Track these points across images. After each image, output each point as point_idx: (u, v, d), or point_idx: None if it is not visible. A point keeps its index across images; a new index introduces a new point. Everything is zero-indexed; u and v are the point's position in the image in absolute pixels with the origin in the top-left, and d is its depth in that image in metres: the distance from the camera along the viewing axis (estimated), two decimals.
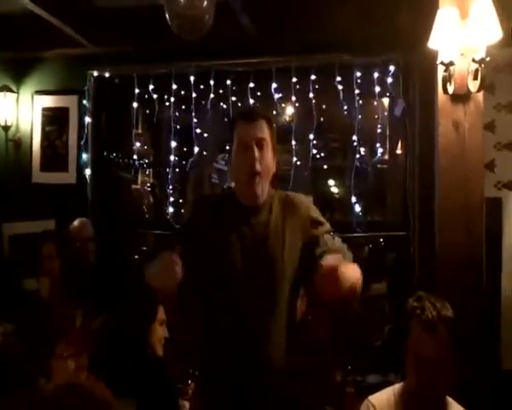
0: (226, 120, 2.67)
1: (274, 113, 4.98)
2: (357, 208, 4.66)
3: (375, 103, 4.81)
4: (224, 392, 2.49)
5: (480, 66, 3.36)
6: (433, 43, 3.50)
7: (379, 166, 4.88)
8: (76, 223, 4.59)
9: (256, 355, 2.44)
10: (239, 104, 4.95)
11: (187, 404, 3.53)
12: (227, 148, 4.90)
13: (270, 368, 2.45)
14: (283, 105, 5.07)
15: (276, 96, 4.78)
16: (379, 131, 4.69)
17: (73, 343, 2.26)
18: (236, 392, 2.46)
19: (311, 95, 4.69)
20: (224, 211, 2.59)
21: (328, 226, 2.59)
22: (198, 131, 5.05)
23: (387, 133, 4.78)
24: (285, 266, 2.49)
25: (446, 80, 3.47)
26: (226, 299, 2.49)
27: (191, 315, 2.72)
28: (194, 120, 4.98)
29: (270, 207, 2.56)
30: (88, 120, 5.14)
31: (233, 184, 2.74)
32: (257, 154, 2.46)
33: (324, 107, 4.90)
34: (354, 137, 4.66)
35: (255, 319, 2.44)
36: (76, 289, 3.68)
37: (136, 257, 5.46)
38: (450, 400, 2.49)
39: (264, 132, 2.51)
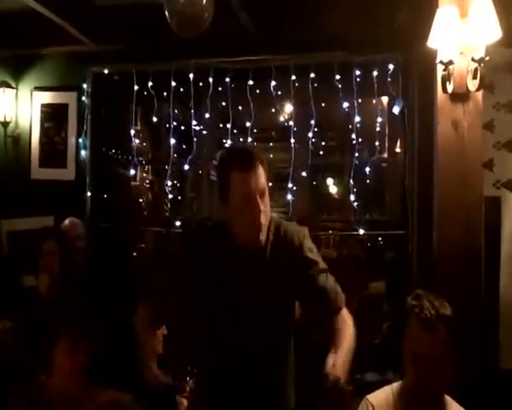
0: (219, 167, 2.48)
1: (273, 110, 4.99)
2: (356, 207, 4.66)
3: (375, 102, 4.80)
4: (222, 391, 2.49)
5: (480, 65, 3.36)
6: (432, 41, 3.50)
7: (378, 164, 4.88)
8: (66, 222, 4.63)
9: (252, 357, 2.45)
10: (238, 102, 4.94)
11: (185, 401, 3.53)
12: (227, 145, 4.95)
13: (267, 371, 2.46)
14: (282, 103, 5.07)
15: (275, 94, 4.78)
16: (378, 129, 4.69)
17: (72, 340, 2.26)
18: (235, 391, 2.47)
19: (310, 93, 4.69)
20: (218, 250, 2.52)
21: (322, 265, 2.55)
22: (197, 128, 5.05)
23: (386, 132, 4.78)
24: (280, 297, 2.48)
25: (445, 79, 3.47)
26: (224, 335, 2.48)
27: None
28: (193, 117, 4.97)
29: (266, 247, 2.49)
30: (87, 116, 5.14)
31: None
32: (261, 207, 2.39)
33: (323, 105, 4.90)
34: (353, 136, 4.66)
35: (251, 345, 2.45)
36: (73, 287, 3.67)
37: (135, 254, 5.46)
38: (448, 399, 2.50)
39: (263, 179, 2.42)
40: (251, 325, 2.44)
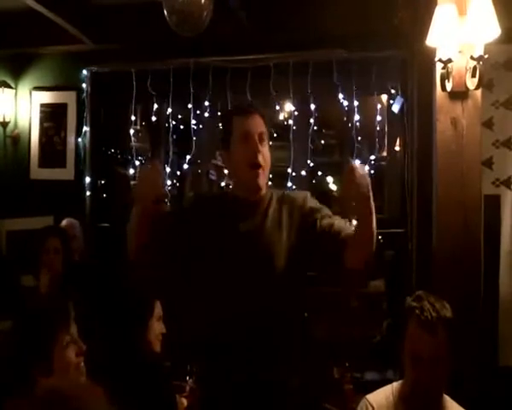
0: (220, 115, 2.72)
1: (272, 109, 4.98)
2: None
3: (374, 100, 4.79)
4: (222, 389, 2.50)
5: (479, 63, 3.36)
6: (431, 40, 3.50)
7: (377, 162, 4.87)
8: (64, 222, 4.64)
9: (255, 352, 2.44)
10: (237, 101, 4.94)
11: (185, 401, 3.54)
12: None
13: (270, 365, 2.45)
14: (281, 101, 5.06)
15: (274, 92, 4.77)
16: (377, 127, 4.69)
17: (72, 339, 2.26)
18: (235, 390, 2.47)
19: (309, 91, 4.69)
20: (222, 207, 2.60)
21: (325, 210, 2.58)
22: (196, 127, 5.04)
23: (386, 130, 4.78)
24: (284, 260, 2.49)
25: (444, 77, 3.47)
26: (226, 294, 2.48)
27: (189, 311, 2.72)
28: (193, 117, 4.97)
29: (268, 203, 2.58)
30: (86, 116, 5.13)
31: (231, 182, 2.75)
32: (259, 146, 2.50)
33: (322, 103, 4.89)
34: (352, 134, 4.66)
35: (255, 314, 2.43)
36: (73, 286, 3.67)
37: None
38: (447, 398, 2.50)
39: (263, 127, 2.56)
40: (253, 287, 2.44)
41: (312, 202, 2.61)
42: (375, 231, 2.37)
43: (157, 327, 3.08)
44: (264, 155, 2.52)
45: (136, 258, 2.67)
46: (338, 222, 2.52)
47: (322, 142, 5.49)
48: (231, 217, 2.55)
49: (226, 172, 4.92)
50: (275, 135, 5.03)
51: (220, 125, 2.82)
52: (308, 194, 2.67)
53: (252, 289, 2.44)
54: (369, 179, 2.25)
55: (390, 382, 2.63)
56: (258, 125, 2.54)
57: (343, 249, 2.42)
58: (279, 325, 2.49)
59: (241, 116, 2.56)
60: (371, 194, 2.28)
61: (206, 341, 2.61)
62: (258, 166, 2.49)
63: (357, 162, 2.27)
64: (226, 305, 2.48)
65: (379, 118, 4.71)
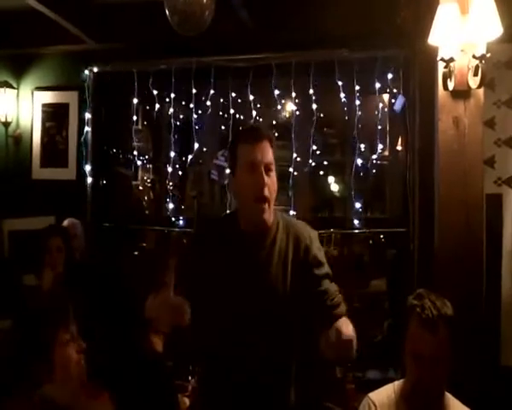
0: (230, 143, 2.62)
1: (274, 109, 4.98)
2: (357, 205, 4.66)
3: (375, 99, 4.79)
4: (223, 391, 2.50)
5: (481, 62, 3.36)
6: (433, 39, 3.49)
7: (379, 162, 4.87)
8: (65, 222, 4.65)
9: (257, 353, 2.45)
10: (239, 100, 4.94)
11: (187, 400, 3.54)
12: (225, 154, 4.94)
13: (271, 367, 2.46)
14: (283, 101, 5.06)
15: (276, 92, 4.77)
16: (379, 127, 4.69)
17: (69, 328, 2.27)
18: (238, 390, 2.47)
19: (310, 91, 4.69)
20: (227, 240, 2.55)
21: (327, 268, 2.57)
22: (198, 127, 5.04)
23: (387, 129, 4.77)
24: (288, 295, 2.48)
25: (446, 76, 3.47)
26: (229, 327, 2.48)
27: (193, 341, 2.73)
28: (194, 116, 4.97)
29: (275, 235, 2.53)
30: (88, 115, 5.13)
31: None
32: (266, 179, 2.42)
33: (324, 103, 4.89)
34: (354, 134, 4.66)
35: (258, 345, 2.44)
36: (75, 285, 3.67)
37: (136, 253, 5.47)
38: (449, 396, 2.50)
39: (271, 155, 2.47)
40: (257, 311, 2.44)
41: (318, 250, 2.58)
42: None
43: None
44: (270, 186, 2.45)
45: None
46: (333, 295, 2.51)
47: (324, 141, 5.47)
48: (238, 251, 2.52)
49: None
50: (276, 134, 5.03)
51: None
52: (316, 234, 2.62)
53: (256, 318, 2.44)
54: (354, 340, 2.25)
55: (391, 381, 2.63)
56: (265, 153, 2.45)
57: (329, 322, 2.39)
58: (280, 332, 2.50)
59: (247, 144, 2.47)
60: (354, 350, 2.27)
61: (209, 353, 2.61)
62: (264, 200, 2.43)
63: (344, 328, 2.27)
64: (229, 336, 2.48)
65: (380, 117, 4.70)
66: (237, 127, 4.88)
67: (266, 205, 2.44)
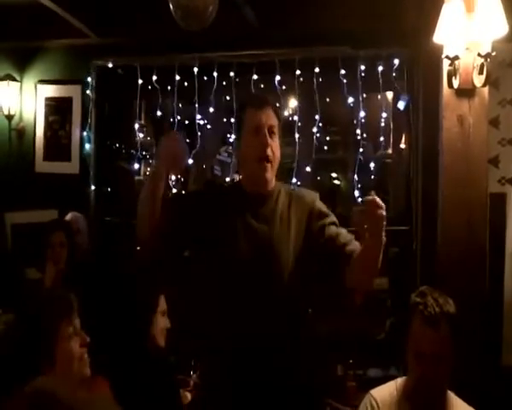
0: (235, 106, 2.80)
1: (277, 105, 4.97)
2: (360, 202, 4.64)
3: (379, 97, 4.77)
4: (225, 386, 2.49)
5: (486, 60, 3.35)
6: (438, 37, 3.49)
7: (382, 160, 4.86)
8: (68, 216, 4.65)
9: (258, 346, 2.44)
10: (242, 96, 4.93)
11: (189, 395, 3.54)
12: (231, 139, 4.96)
13: (273, 361, 2.45)
14: (287, 98, 5.05)
15: (280, 88, 4.76)
16: (382, 124, 4.68)
17: (73, 322, 2.26)
18: (238, 386, 2.46)
19: (314, 88, 4.68)
20: (231, 199, 2.62)
21: (333, 217, 2.63)
22: (201, 122, 5.04)
23: (391, 127, 4.76)
24: (290, 255, 2.51)
25: (451, 75, 3.47)
26: (230, 287, 2.50)
27: (193, 301, 2.73)
28: (197, 112, 4.96)
29: (277, 197, 2.60)
30: (91, 110, 5.13)
31: (237, 177, 2.77)
32: (269, 140, 2.51)
33: (328, 100, 4.89)
34: (358, 131, 4.65)
35: (259, 309, 2.45)
36: (77, 280, 3.67)
37: (138, 248, 5.46)
38: (451, 394, 2.50)
39: (275, 120, 2.57)
40: (259, 281, 2.46)
41: (322, 206, 2.65)
42: (380, 259, 2.38)
43: (161, 322, 3.08)
44: (274, 148, 2.53)
45: (148, 242, 2.64)
46: (344, 234, 2.55)
47: (328, 138, 5.47)
48: (240, 209, 2.57)
49: (232, 164, 4.94)
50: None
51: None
52: (317, 195, 2.69)
53: (257, 284, 2.46)
54: (384, 213, 2.25)
55: (393, 379, 2.63)
56: (269, 117, 2.55)
57: (345, 264, 2.45)
58: (283, 320, 2.50)
59: (253, 108, 2.57)
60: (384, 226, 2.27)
61: (209, 334, 2.61)
62: (267, 159, 2.51)
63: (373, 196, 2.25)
64: (231, 297, 2.50)
65: (384, 115, 4.69)
66: None
67: (269, 164, 2.52)
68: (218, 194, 2.73)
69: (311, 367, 2.71)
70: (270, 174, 2.55)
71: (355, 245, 2.48)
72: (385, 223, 2.26)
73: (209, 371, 2.66)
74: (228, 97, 4.98)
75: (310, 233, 2.55)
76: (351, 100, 4.66)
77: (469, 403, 2.53)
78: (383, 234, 2.29)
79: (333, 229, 2.56)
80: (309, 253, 2.54)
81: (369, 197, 2.22)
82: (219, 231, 2.53)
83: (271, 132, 2.53)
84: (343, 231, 2.58)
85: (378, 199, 2.23)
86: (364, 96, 4.63)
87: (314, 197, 2.69)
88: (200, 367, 3.30)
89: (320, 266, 2.59)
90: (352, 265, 2.43)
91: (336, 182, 6.12)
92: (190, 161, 5.06)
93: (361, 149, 4.64)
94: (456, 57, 3.41)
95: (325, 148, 5.34)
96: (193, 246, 2.68)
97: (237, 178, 4.74)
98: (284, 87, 4.80)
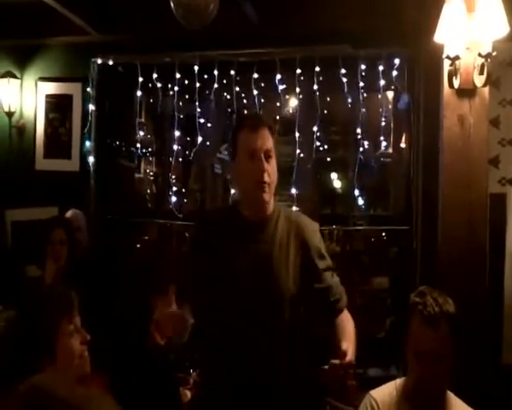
0: (228, 122, 2.74)
1: (277, 104, 4.97)
2: (360, 202, 4.66)
3: (380, 96, 4.78)
4: (224, 383, 2.50)
5: (487, 60, 3.35)
6: (439, 36, 3.48)
7: (382, 159, 4.87)
8: (68, 214, 4.65)
9: (258, 346, 2.45)
10: (243, 95, 4.94)
11: (188, 393, 3.54)
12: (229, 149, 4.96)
13: (272, 360, 2.47)
14: (287, 96, 5.05)
15: (280, 87, 4.76)
16: (383, 124, 4.68)
17: (74, 320, 2.26)
18: (237, 384, 2.47)
19: (315, 87, 4.68)
20: (229, 228, 2.58)
21: (329, 261, 2.62)
22: (201, 120, 5.04)
23: (391, 127, 4.76)
24: (289, 283, 2.50)
25: (452, 74, 3.46)
26: (231, 314, 2.49)
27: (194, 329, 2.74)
28: (198, 110, 4.96)
29: (276, 223, 2.56)
30: (91, 107, 5.13)
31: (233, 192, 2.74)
32: (265, 164, 2.46)
33: (328, 99, 4.88)
34: (358, 130, 4.65)
35: (259, 333, 2.46)
36: (79, 277, 3.67)
37: (138, 246, 5.47)
38: (451, 395, 2.49)
39: (271, 142, 2.51)
40: (259, 299, 2.46)
41: (320, 243, 2.63)
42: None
43: None
44: (270, 172, 2.48)
45: None
46: (336, 287, 2.59)
47: (328, 137, 5.46)
48: (240, 236, 2.54)
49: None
50: (279, 129, 5.02)
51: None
52: (318, 227, 2.67)
53: (258, 309, 2.46)
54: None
55: (393, 378, 2.63)
56: (264, 141, 2.49)
57: (334, 317, 2.54)
58: (283, 326, 2.51)
59: (247, 131, 2.51)
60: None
61: (209, 336, 2.61)
62: (264, 184, 2.46)
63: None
64: (232, 314, 2.48)
65: (385, 114, 4.69)
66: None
67: (266, 189, 2.47)
68: (215, 226, 2.63)
69: (311, 366, 2.71)
70: (268, 197, 2.50)
71: (343, 304, 2.59)
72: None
73: (208, 370, 2.66)
74: (228, 96, 4.98)
75: (306, 265, 2.55)
76: (351, 99, 4.66)
77: (469, 402, 2.53)
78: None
79: (328, 277, 2.58)
80: (305, 287, 2.55)
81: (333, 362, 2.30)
82: (219, 261, 2.51)
83: (267, 156, 2.47)
84: (336, 281, 2.60)
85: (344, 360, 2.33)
86: (365, 95, 4.63)
87: (315, 229, 2.64)
88: (200, 366, 3.30)
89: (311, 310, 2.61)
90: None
91: (336, 181, 6.11)
92: (191, 159, 5.07)
93: (361, 149, 4.64)
94: (457, 57, 3.40)
95: (325, 147, 5.33)
96: (200, 279, 2.61)
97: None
98: (284, 86, 4.80)
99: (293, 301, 2.51)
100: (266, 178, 2.46)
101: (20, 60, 5.37)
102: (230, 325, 2.48)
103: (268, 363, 2.47)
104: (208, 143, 5.24)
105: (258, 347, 2.45)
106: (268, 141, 2.49)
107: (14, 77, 5.30)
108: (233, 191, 4.59)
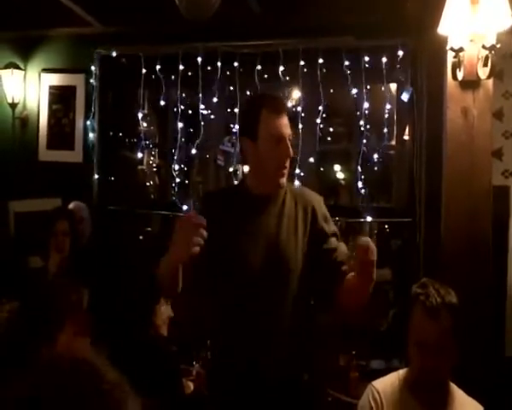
0: (247, 104, 2.71)
1: (281, 95, 4.96)
2: (363, 194, 4.65)
3: (383, 88, 4.77)
4: (228, 376, 2.51)
5: (490, 52, 3.34)
6: (442, 28, 3.47)
7: (386, 151, 4.86)
8: (71, 205, 4.66)
9: (261, 337, 2.46)
10: (246, 86, 4.93)
11: (191, 385, 3.55)
12: (234, 130, 4.95)
13: (275, 351, 2.47)
14: (290, 88, 5.04)
15: (284, 79, 4.76)
16: (386, 116, 4.66)
17: (80, 322, 2.26)
18: (240, 375, 2.48)
19: (318, 78, 4.67)
20: (236, 203, 2.60)
21: (335, 228, 2.65)
22: (204, 112, 5.03)
23: (395, 119, 4.75)
24: (299, 253, 2.53)
25: (456, 66, 3.45)
26: (238, 288, 2.50)
27: (201, 303, 2.74)
28: (201, 102, 4.96)
29: (284, 198, 2.59)
30: (94, 99, 5.13)
31: (240, 167, 2.75)
32: (290, 151, 2.50)
33: (332, 91, 4.87)
34: (361, 122, 4.64)
35: (266, 304, 2.47)
36: (82, 269, 3.68)
37: (141, 238, 5.48)
38: (454, 386, 2.50)
39: (290, 127, 2.55)
40: (267, 281, 2.47)
41: (326, 210, 2.66)
42: (369, 293, 2.38)
43: (165, 311, 3.09)
44: (290, 157, 2.54)
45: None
46: (343, 250, 2.59)
47: (331, 129, 5.46)
48: (247, 211, 2.56)
49: (235, 154, 4.93)
50: None
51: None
52: (322, 198, 2.70)
53: (266, 283, 2.47)
54: (375, 253, 2.27)
55: (396, 370, 2.63)
56: (287, 126, 2.53)
57: (340, 282, 2.49)
58: (288, 314, 2.51)
59: (273, 112, 2.50)
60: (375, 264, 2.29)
61: (215, 328, 2.62)
62: (285, 168, 2.52)
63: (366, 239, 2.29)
64: (238, 296, 2.50)
65: (388, 106, 4.68)
66: None
67: (285, 172, 2.53)
68: (220, 202, 2.64)
69: (314, 358, 2.72)
70: (285, 180, 2.56)
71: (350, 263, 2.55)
72: (375, 267, 2.28)
73: (217, 345, 2.67)
74: (231, 87, 4.97)
75: (314, 232, 2.57)
76: (354, 91, 4.65)
77: (472, 394, 2.53)
78: (373, 275, 2.29)
79: (333, 241, 2.59)
80: (312, 252, 2.56)
81: (362, 242, 2.23)
82: (227, 236, 2.51)
83: (289, 140, 2.52)
84: (342, 246, 2.62)
85: (370, 244, 2.24)
86: (368, 87, 4.62)
87: (319, 199, 2.68)
88: (204, 357, 3.32)
89: (317, 277, 2.59)
90: (346, 287, 2.47)
91: (339, 173, 6.11)
92: (194, 151, 5.07)
93: (364, 141, 4.63)
94: (461, 49, 3.39)
95: (328, 139, 5.33)
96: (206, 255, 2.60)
97: (240, 168, 4.77)
98: (288, 78, 4.78)
99: (302, 274, 2.52)
100: (288, 163, 2.51)
101: (24, 51, 5.37)
102: (239, 298, 2.49)
103: (273, 340, 2.47)
104: (211, 134, 5.24)
105: (266, 321, 2.46)
106: (289, 126, 2.54)
107: (18, 68, 5.30)
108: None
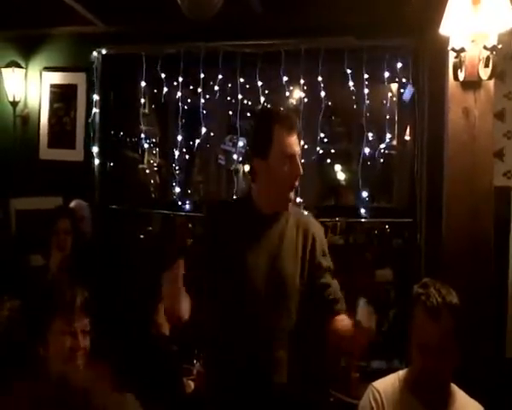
0: (259, 119, 2.67)
1: (282, 95, 4.96)
2: (364, 194, 4.65)
3: (384, 88, 4.76)
4: (228, 376, 2.51)
5: (492, 53, 3.34)
6: (444, 28, 3.47)
7: (387, 151, 4.85)
8: (73, 204, 4.66)
9: (262, 338, 2.46)
10: (247, 86, 4.92)
11: (192, 384, 3.56)
12: (233, 140, 4.94)
13: (276, 353, 2.48)
14: (291, 88, 5.04)
15: (285, 78, 4.75)
16: (387, 116, 4.66)
17: (71, 321, 2.24)
18: (240, 375, 2.48)
19: (319, 78, 4.66)
20: (241, 219, 2.59)
21: (331, 263, 2.65)
22: (205, 111, 5.03)
23: (396, 119, 4.74)
24: (296, 277, 2.54)
25: (457, 67, 3.45)
26: (238, 301, 2.51)
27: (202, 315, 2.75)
28: (202, 101, 4.96)
29: (287, 218, 2.60)
30: (96, 97, 5.13)
31: (240, 167, 2.74)
32: (301, 170, 2.51)
33: (333, 90, 4.87)
34: (362, 122, 4.64)
35: (266, 323, 2.49)
36: (83, 267, 3.68)
37: (142, 236, 5.48)
38: (454, 387, 2.50)
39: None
40: (270, 289, 2.49)
41: (326, 245, 2.67)
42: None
43: None
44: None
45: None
46: (336, 288, 2.61)
47: (332, 129, 5.46)
48: (251, 228, 2.56)
49: (237, 154, 4.93)
50: None
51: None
52: (322, 228, 2.72)
53: (265, 296, 2.49)
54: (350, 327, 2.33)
55: (396, 371, 2.64)
56: (298, 144, 2.53)
57: (330, 317, 2.54)
58: (289, 319, 2.54)
59: (286, 130, 2.49)
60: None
61: (215, 334, 2.62)
62: (295, 187, 2.54)
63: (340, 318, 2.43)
64: (238, 304, 2.51)
65: (389, 106, 4.68)
66: (245, 113, 4.87)
67: (294, 191, 2.55)
68: (226, 215, 2.65)
69: (315, 358, 2.73)
70: (292, 198, 2.58)
71: (342, 306, 2.58)
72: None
73: (213, 358, 2.67)
74: (233, 87, 4.97)
75: (311, 262, 2.58)
76: (355, 91, 4.65)
77: (473, 395, 2.54)
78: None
79: (328, 277, 2.60)
80: (307, 283, 2.58)
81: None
82: (230, 251, 2.52)
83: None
84: (335, 283, 2.62)
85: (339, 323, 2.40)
86: (369, 87, 4.62)
87: (320, 228, 2.69)
88: (203, 357, 3.32)
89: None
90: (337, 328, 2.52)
91: (340, 173, 6.11)
92: (194, 150, 5.07)
93: (365, 141, 4.63)
94: (462, 49, 3.39)
95: (329, 139, 5.32)
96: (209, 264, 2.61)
97: (240, 168, 4.76)
98: (289, 77, 4.78)
99: (299, 293, 2.54)
100: (297, 182, 2.53)
101: (25, 49, 5.36)
102: (237, 312, 2.50)
103: (272, 353, 2.48)
104: (212, 134, 5.23)
105: (264, 336, 2.48)
106: (299, 143, 2.55)
107: (19, 66, 5.29)
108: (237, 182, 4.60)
